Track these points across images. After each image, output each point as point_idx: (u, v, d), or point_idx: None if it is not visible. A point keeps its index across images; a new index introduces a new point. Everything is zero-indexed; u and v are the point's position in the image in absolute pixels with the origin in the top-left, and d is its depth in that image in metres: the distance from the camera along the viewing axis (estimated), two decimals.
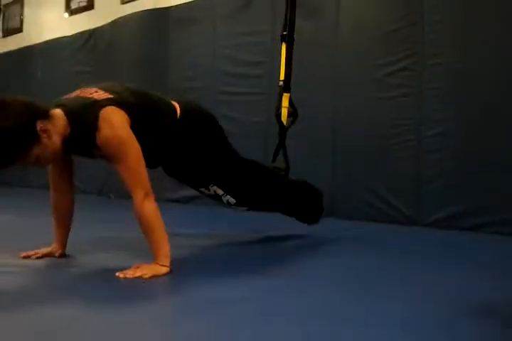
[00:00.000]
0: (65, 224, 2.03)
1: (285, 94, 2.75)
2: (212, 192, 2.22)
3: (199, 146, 2.11)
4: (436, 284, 1.71)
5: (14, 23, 6.84)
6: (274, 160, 2.80)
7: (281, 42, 2.83)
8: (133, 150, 1.75)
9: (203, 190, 2.24)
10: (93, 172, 4.87)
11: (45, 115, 1.70)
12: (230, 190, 2.22)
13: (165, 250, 1.76)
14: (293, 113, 2.76)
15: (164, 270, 1.73)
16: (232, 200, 2.24)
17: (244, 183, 2.26)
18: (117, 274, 1.69)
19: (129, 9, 5.09)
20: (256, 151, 3.96)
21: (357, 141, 3.46)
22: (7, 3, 6.70)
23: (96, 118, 1.71)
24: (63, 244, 2.04)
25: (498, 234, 2.76)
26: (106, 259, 2.03)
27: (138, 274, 1.68)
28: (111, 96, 1.80)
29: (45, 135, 1.68)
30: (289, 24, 2.81)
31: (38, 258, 1.98)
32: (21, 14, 6.74)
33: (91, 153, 1.83)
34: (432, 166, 3.13)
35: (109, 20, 5.23)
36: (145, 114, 1.87)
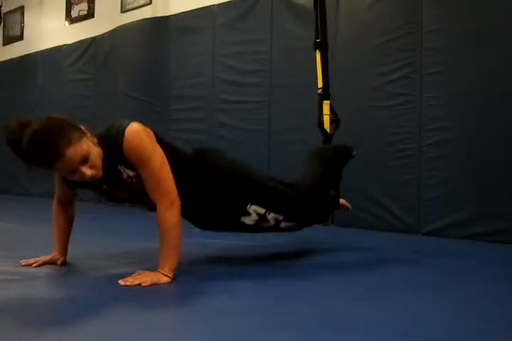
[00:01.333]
0: (65, 232, 2.04)
1: (325, 102, 2.73)
2: (254, 216, 2.04)
3: (212, 179, 2.02)
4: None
5: (15, 31, 6.88)
6: None
7: (315, 50, 2.80)
8: (158, 157, 1.78)
9: (244, 219, 2.05)
10: None
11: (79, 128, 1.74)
12: (269, 204, 2.06)
13: (172, 262, 1.76)
14: (335, 119, 2.75)
15: (165, 279, 1.73)
16: (280, 217, 2.09)
17: (278, 193, 2.12)
18: (119, 281, 1.69)
19: (129, 18, 5.12)
20: (257, 159, 3.98)
21: (356, 148, 3.46)
22: (8, 12, 6.73)
23: (123, 130, 1.75)
24: (64, 252, 2.05)
25: (498, 243, 2.77)
26: (107, 267, 2.03)
27: (137, 282, 1.68)
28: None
29: (87, 137, 1.72)
30: (321, 31, 2.79)
31: (38, 266, 1.98)
32: (22, 22, 6.77)
33: (117, 172, 1.82)
34: (431, 174, 3.14)
35: (109, 28, 5.26)
36: (164, 145, 1.87)
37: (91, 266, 2.03)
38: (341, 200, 2.70)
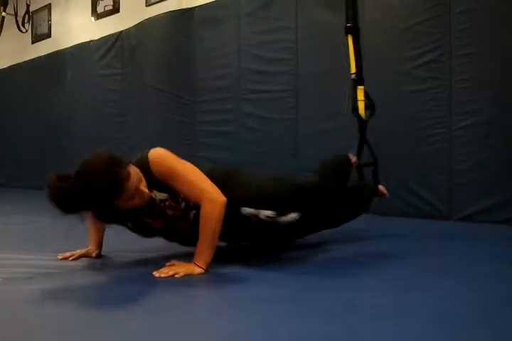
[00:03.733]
0: (100, 225, 2.08)
1: (359, 87, 2.68)
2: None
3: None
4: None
5: (43, 29, 6.97)
6: (359, 157, 2.71)
7: (346, 34, 2.74)
8: (184, 164, 1.84)
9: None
10: None
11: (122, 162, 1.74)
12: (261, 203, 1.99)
13: (208, 255, 1.78)
14: (370, 105, 2.70)
15: (198, 270, 1.75)
16: (268, 212, 1.98)
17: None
18: (154, 273, 1.72)
19: (154, 11, 5.14)
20: (285, 149, 3.98)
21: (387, 134, 3.43)
22: (35, 10, 6.82)
23: (146, 155, 1.81)
24: (99, 245, 2.09)
25: None
26: (142, 259, 2.07)
27: (171, 273, 1.71)
28: None
29: (128, 171, 1.70)
30: (353, 15, 2.73)
31: (74, 259, 2.02)
32: (49, 20, 6.86)
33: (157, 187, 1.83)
34: (463, 159, 3.08)
35: (135, 22, 5.29)
36: None
37: (125, 259, 2.07)
38: (380, 187, 2.66)
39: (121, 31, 5.50)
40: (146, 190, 1.74)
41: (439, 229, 2.88)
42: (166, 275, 1.71)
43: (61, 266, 1.92)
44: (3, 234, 2.80)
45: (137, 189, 1.71)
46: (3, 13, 6.38)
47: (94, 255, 2.05)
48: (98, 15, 6.05)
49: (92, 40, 5.91)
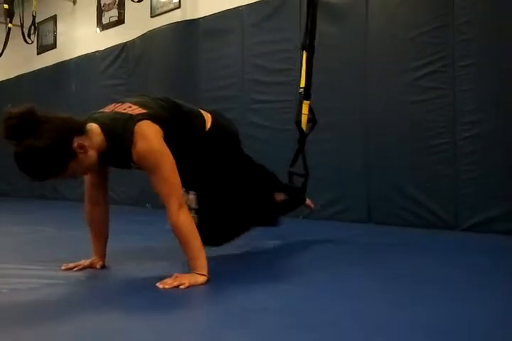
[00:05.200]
0: (102, 235, 2.07)
1: (305, 102, 2.83)
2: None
3: (218, 159, 2.13)
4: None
5: (48, 40, 7.03)
6: (292, 165, 2.86)
7: (302, 50, 2.86)
8: (167, 162, 1.79)
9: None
10: (128, 183, 4.97)
11: (82, 131, 1.75)
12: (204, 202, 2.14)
13: (202, 260, 1.79)
14: (312, 119, 2.82)
15: (202, 279, 1.75)
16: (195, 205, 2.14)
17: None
18: (157, 284, 1.72)
19: (159, 22, 5.18)
20: (288, 158, 3.97)
21: (390, 145, 3.44)
22: (41, 21, 6.88)
23: (132, 132, 1.76)
24: (102, 255, 2.08)
25: None
26: (145, 270, 2.06)
27: (176, 284, 1.71)
28: (144, 111, 1.84)
29: (81, 150, 1.73)
30: (310, 32, 2.84)
31: (78, 270, 2.02)
32: (55, 31, 6.92)
33: (128, 165, 1.87)
34: (468, 169, 3.08)
35: (140, 33, 5.33)
36: (177, 128, 1.92)
37: (129, 269, 2.06)
38: (307, 199, 2.80)
39: (126, 42, 5.54)
40: (94, 157, 1.77)
41: (443, 240, 2.87)
42: (170, 286, 1.70)
43: (65, 277, 1.92)
44: (6, 244, 2.80)
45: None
46: (10, 25, 6.43)
47: (98, 266, 2.05)
48: (103, 26, 6.10)
49: (97, 51, 5.96)
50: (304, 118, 2.81)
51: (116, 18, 5.91)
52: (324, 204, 3.71)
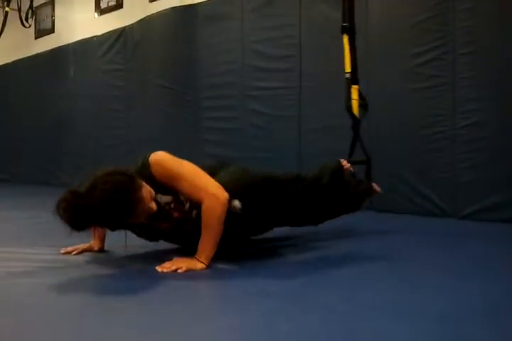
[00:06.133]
0: None
1: (354, 87, 2.75)
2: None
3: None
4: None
5: (46, 25, 6.97)
6: (351, 155, 2.78)
7: (342, 33, 2.77)
8: (184, 163, 1.85)
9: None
10: None
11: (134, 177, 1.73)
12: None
13: (210, 252, 1.79)
14: (363, 104, 2.75)
15: (200, 265, 1.76)
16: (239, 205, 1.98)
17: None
18: (156, 268, 1.73)
19: (157, 7, 5.14)
20: (289, 145, 3.97)
21: (390, 132, 3.43)
22: (39, 5, 6.82)
23: (147, 160, 1.81)
24: (102, 240, 2.09)
25: None
26: (144, 253, 2.07)
27: (174, 267, 1.73)
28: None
29: (141, 192, 1.71)
30: (349, 14, 2.75)
31: (77, 253, 2.03)
32: (53, 15, 6.86)
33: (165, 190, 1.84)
34: (467, 157, 3.08)
35: (138, 18, 5.29)
36: None
37: (127, 253, 2.07)
38: (374, 185, 2.69)
39: (125, 27, 5.50)
40: (155, 207, 1.76)
41: (441, 227, 2.88)
42: (168, 270, 1.72)
43: (64, 261, 1.93)
44: (5, 229, 2.80)
45: (148, 207, 1.73)
46: (7, 8, 6.37)
47: (96, 249, 2.06)
48: (101, 11, 6.04)
49: (95, 36, 5.91)
50: (355, 104, 2.74)
51: (115, 3, 5.85)
52: None
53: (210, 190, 1.79)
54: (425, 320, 1.23)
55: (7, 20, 6.47)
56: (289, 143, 3.94)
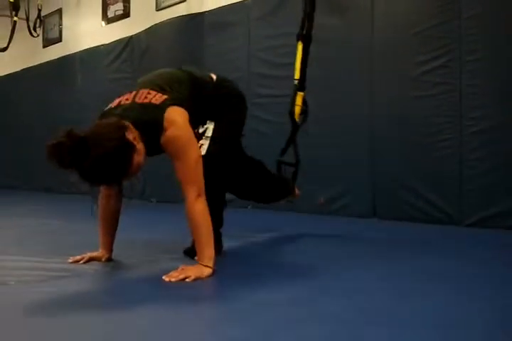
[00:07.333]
0: (111, 229, 2.08)
1: (299, 93, 2.85)
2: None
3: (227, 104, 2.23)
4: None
5: (54, 34, 7.04)
6: (282, 155, 2.91)
7: (297, 41, 2.86)
8: (194, 151, 1.84)
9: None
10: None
11: (125, 127, 1.73)
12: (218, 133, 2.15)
13: (209, 251, 1.80)
14: (304, 111, 2.84)
15: (207, 271, 1.76)
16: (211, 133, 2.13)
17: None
18: (163, 277, 1.73)
19: (164, 16, 5.18)
20: (291, 153, 3.96)
21: (396, 140, 3.43)
22: (46, 14, 6.88)
23: (161, 120, 1.79)
24: (109, 249, 2.09)
25: None
26: (151, 263, 2.07)
27: (182, 276, 1.72)
28: (165, 96, 1.86)
29: (136, 142, 1.73)
30: (308, 22, 2.84)
31: (85, 262, 2.03)
32: (60, 24, 6.92)
33: (159, 150, 1.87)
34: (473, 165, 3.07)
35: (145, 27, 5.33)
36: (195, 99, 1.99)
37: (135, 263, 2.07)
38: (296, 188, 2.84)
39: (132, 36, 5.54)
40: (142, 161, 1.76)
41: (448, 235, 2.87)
42: (176, 279, 1.71)
43: (72, 269, 1.93)
44: (15, 237, 2.82)
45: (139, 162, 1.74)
46: (15, 18, 6.44)
47: (104, 259, 2.06)
48: (108, 20, 6.10)
49: (102, 45, 5.96)
50: (297, 109, 2.85)
51: (122, 12, 5.90)
52: (329, 199, 3.72)
53: (195, 189, 1.79)
54: (431, 328, 1.23)
55: (15, 30, 6.54)
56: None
